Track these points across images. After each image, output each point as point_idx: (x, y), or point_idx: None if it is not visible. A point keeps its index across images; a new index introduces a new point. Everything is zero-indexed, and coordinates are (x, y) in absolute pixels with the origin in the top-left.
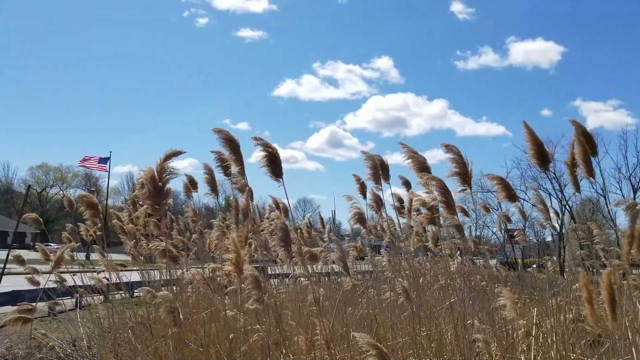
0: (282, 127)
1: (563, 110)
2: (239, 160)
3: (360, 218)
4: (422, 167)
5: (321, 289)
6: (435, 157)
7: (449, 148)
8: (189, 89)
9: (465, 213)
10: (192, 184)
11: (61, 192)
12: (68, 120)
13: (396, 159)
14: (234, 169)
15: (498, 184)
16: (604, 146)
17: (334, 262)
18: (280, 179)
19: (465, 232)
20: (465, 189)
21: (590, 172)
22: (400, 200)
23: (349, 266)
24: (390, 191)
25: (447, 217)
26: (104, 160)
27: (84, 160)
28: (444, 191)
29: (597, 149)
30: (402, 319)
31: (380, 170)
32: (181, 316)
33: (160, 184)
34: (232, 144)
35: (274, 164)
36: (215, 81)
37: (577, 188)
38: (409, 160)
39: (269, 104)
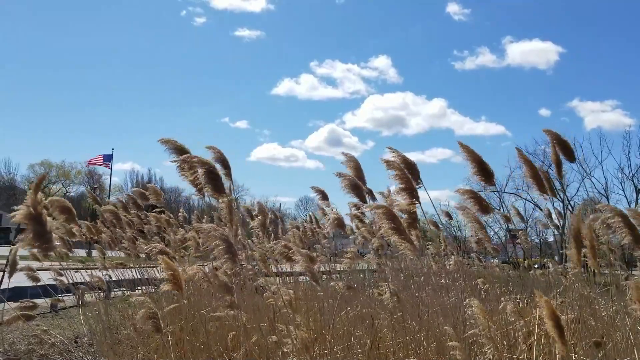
0: (281, 126)
1: (561, 111)
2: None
3: (339, 223)
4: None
5: (291, 291)
6: (435, 156)
7: (389, 164)
8: (188, 88)
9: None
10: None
11: (64, 189)
12: (67, 119)
13: (395, 159)
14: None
15: (470, 198)
16: (607, 147)
17: (336, 262)
18: (224, 195)
19: (468, 232)
20: (415, 203)
21: (559, 174)
22: (357, 207)
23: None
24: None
25: (400, 243)
26: (107, 158)
27: (91, 161)
28: (392, 218)
29: (574, 155)
30: (393, 319)
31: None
32: (166, 320)
33: (43, 219)
34: (182, 153)
35: (213, 180)
36: (214, 80)
37: (554, 193)
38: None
39: (267, 103)
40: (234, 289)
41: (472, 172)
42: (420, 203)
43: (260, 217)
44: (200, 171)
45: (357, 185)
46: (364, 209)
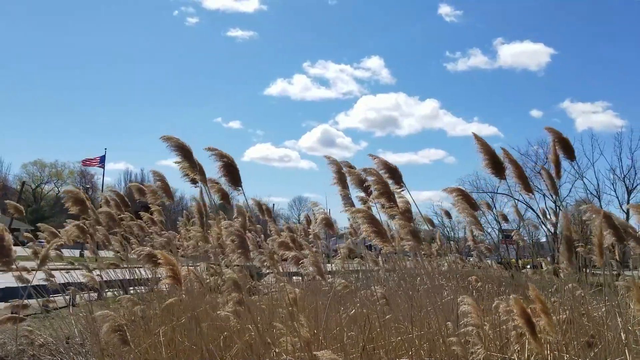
0: (274, 126)
1: (553, 112)
2: (195, 167)
3: (327, 223)
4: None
5: (296, 289)
6: (427, 156)
7: (367, 172)
8: (181, 88)
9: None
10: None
11: (56, 188)
12: (61, 119)
13: (388, 159)
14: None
15: (458, 196)
16: (599, 148)
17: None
18: (240, 187)
19: (460, 232)
20: (393, 207)
21: (558, 174)
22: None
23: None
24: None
25: (383, 245)
26: (101, 159)
27: (86, 162)
28: (372, 221)
29: (574, 153)
30: (386, 320)
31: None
32: (157, 320)
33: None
34: (183, 150)
35: (231, 173)
36: (207, 80)
37: (555, 191)
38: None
39: (260, 103)
40: (241, 286)
41: (483, 164)
42: (398, 207)
43: (240, 219)
44: (218, 163)
45: (365, 181)
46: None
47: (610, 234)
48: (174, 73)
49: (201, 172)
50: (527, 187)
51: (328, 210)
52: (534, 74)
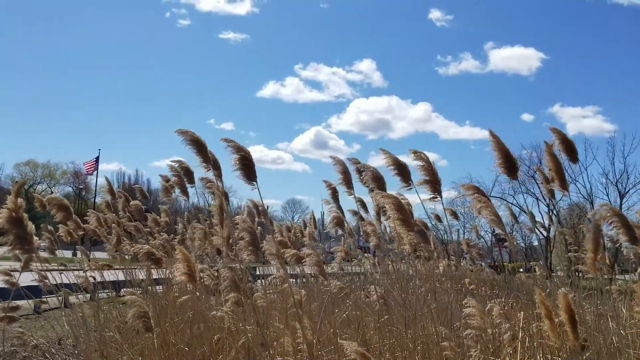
0: (267, 128)
1: (543, 116)
2: (209, 162)
3: (338, 222)
4: (376, 177)
5: (302, 291)
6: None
7: (417, 155)
8: (173, 89)
9: (455, 216)
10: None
11: (49, 189)
12: (53, 119)
13: (381, 162)
14: (207, 172)
15: (474, 193)
16: (592, 152)
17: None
18: (254, 183)
19: (453, 235)
20: (436, 197)
21: (563, 184)
22: (364, 204)
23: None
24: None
25: (405, 234)
26: (95, 159)
27: (88, 167)
28: (400, 208)
29: (577, 155)
30: (383, 322)
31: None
32: (152, 321)
33: (24, 222)
34: (198, 145)
35: (247, 167)
36: (199, 82)
37: (552, 195)
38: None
39: (253, 105)
40: (240, 287)
41: (497, 163)
42: (442, 197)
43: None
44: (234, 156)
45: (380, 177)
46: (373, 198)
47: (623, 233)
48: (167, 75)
49: (216, 167)
50: (512, 173)
51: (321, 214)
52: (525, 78)
